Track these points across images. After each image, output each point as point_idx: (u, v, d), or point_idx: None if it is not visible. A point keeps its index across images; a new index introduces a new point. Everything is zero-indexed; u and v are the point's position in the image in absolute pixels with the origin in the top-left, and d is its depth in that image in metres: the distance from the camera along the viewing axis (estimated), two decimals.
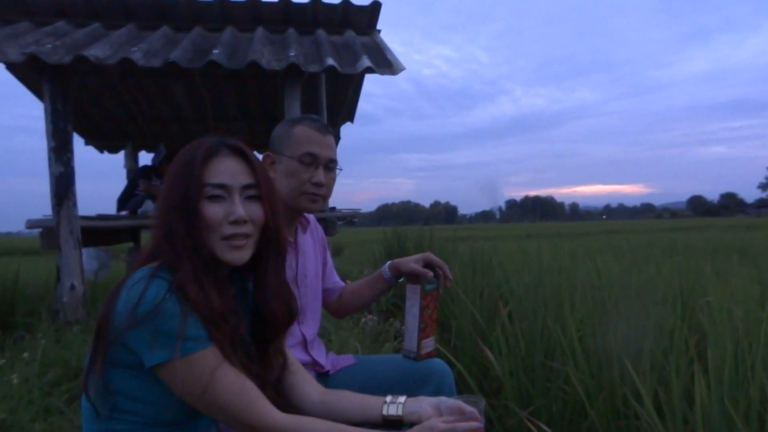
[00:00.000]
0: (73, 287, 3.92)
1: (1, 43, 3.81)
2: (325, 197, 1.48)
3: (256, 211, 1.06)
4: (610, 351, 1.72)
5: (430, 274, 1.48)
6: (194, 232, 0.99)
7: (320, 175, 1.43)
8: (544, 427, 1.53)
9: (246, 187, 1.05)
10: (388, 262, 1.61)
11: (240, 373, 0.98)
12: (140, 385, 0.96)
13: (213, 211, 1.01)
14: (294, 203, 1.44)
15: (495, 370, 2.09)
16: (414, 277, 1.49)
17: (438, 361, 1.50)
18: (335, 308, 1.75)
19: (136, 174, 6.07)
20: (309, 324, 1.55)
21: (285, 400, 1.18)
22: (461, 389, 1.86)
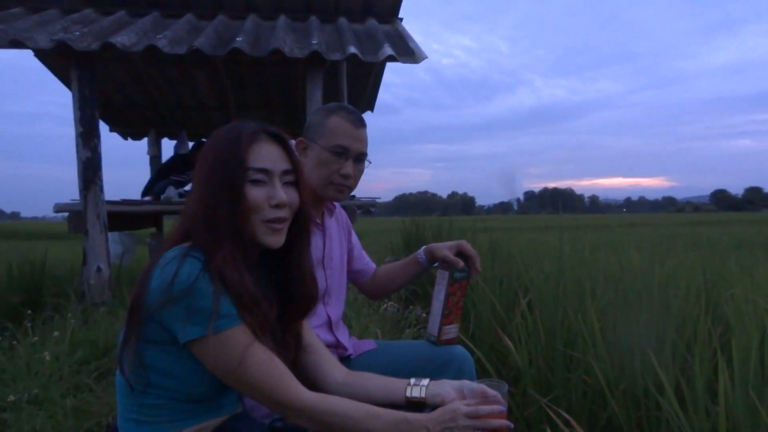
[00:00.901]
0: (99, 270, 4.01)
1: (30, 31, 3.89)
2: (352, 188, 1.52)
3: (293, 195, 1.09)
4: (632, 342, 1.72)
5: (461, 263, 1.49)
6: (238, 215, 1.01)
7: (349, 168, 1.46)
8: (565, 415, 1.54)
9: (285, 172, 1.09)
10: (424, 246, 1.63)
11: (269, 352, 1.01)
12: (173, 361, 1.00)
13: (256, 194, 1.04)
14: (321, 191, 1.48)
15: (514, 359, 2.10)
16: (445, 263, 1.51)
17: (459, 348, 1.52)
18: (369, 289, 1.78)
19: (170, 162, 6.21)
20: (334, 305, 1.59)
21: (308, 381, 1.20)
22: (480, 377, 1.88)
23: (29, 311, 3.22)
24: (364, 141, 1.50)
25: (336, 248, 1.62)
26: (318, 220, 1.55)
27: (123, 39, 3.86)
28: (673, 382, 1.56)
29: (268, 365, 0.99)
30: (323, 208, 1.58)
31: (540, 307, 2.21)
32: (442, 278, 1.49)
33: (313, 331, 1.31)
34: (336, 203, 1.68)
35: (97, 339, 2.82)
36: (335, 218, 1.67)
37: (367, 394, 1.17)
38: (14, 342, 2.67)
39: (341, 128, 1.45)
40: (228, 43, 4.05)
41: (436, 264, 1.62)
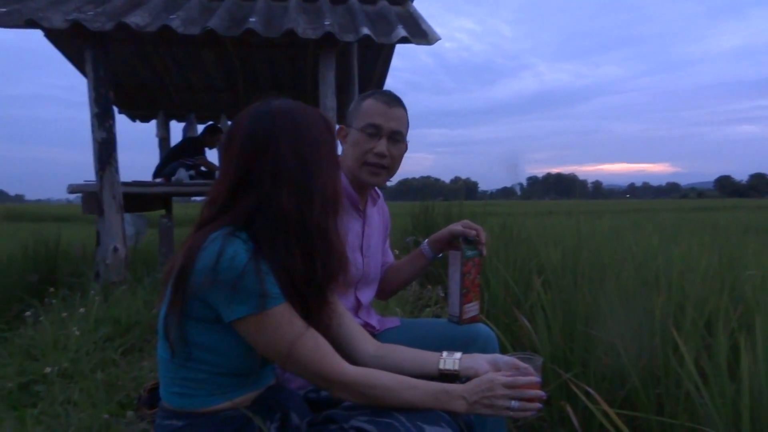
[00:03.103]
0: (116, 250, 4.05)
1: (44, 10, 3.88)
2: (390, 170, 1.50)
3: None
4: (652, 320, 1.75)
5: (473, 232, 1.50)
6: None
7: (382, 146, 1.44)
8: (588, 389, 1.57)
9: None
10: (427, 239, 1.64)
11: (314, 330, 1.04)
12: (215, 338, 1.03)
13: None
14: (358, 174, 1.48)
15: (531, 337, 2.13)
16: (455, 244, 1.53)
17: (482, 326, 1.53)
18: (378, 287, 1.76)
19: (181, 145, 6.27)
20: (365, 291, 1.61)
21: (340, 352, 1.23)
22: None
23: (51, 289, 3.26)
24: (398, 119, 1.47)
25: (375, 237, 1.63)
26: (360, 207, 1.56)
27: (136, 19, 3.85)
28: (693, 358, 1.58)
29: (316, 343, 1.03)
30: (367, 195, 1.58)
31: (557, 286, 2.24)
32: (454, 258, 1.51)
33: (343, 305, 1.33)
34: (381, 194, 1.69)
35: (119, 316, 2.87)
36: (378, 208, 1.67)
37: (399, 366, 1.19)
38: (40, 318, 2.72)
39: (373, 108, 1.46)
40: (241, 24, 4.03)
41: (440, 255, 1.64)
